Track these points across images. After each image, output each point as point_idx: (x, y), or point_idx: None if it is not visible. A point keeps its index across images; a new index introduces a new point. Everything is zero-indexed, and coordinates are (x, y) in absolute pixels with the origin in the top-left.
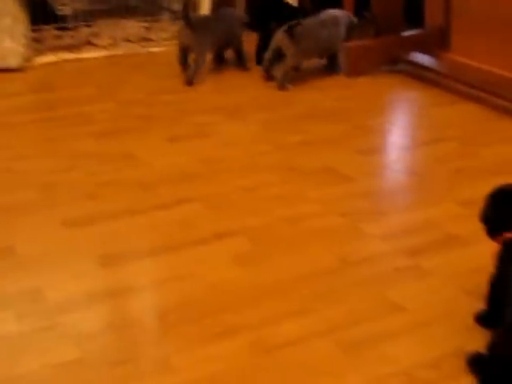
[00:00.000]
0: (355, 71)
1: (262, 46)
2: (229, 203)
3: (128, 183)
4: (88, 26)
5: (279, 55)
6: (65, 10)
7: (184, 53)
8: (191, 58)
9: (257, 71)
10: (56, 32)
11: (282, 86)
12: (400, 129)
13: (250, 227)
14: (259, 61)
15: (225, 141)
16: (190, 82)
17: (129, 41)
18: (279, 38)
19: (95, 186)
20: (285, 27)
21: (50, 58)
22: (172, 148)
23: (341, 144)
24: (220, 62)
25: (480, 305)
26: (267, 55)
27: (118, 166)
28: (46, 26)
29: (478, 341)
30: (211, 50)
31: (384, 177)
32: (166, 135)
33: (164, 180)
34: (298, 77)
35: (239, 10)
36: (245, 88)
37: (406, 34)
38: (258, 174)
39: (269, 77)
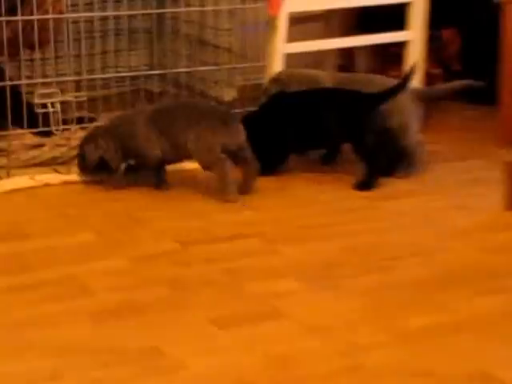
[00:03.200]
0: None
1: None
2: None
3: None
4: (83, 127)
5: None
6: (49, 106)
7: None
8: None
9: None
10: (33, 139)
11: None
12: None
13: None
14: None
15: (306, 326)
16: (248, 190)
17: None
18: None
19: None
20: None
21: (21, 181)
22: (218, 339)
23: (499, 328)
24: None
25: None
26: None
27: (133, 371)
28: (20, 130)
29: None
30: None
31: None
32: (209, 316)
33: None
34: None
35: None
36: (328, 227)
37: None
38: None
39: None
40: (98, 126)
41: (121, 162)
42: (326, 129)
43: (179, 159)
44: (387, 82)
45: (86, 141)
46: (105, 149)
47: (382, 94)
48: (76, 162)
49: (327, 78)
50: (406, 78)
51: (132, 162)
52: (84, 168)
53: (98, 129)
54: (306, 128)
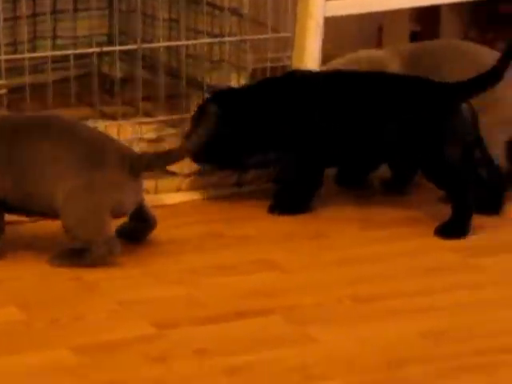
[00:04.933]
0: None
1: None
2: None
3: None
4: None
5: None
6: None
7: None
8: None
9: None
10: None
11: None
12: None
13: None
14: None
15: None
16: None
17: None
18: None
19: None
20: None
21: None
22: None
23: None
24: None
25: None
26: None
27: None
28: None
29: None
30: None
31: None
32: None
33: None
34: None
35: None
36: (394, 298)
37: None
38: None
39: None
40: None
41: None
42: (379, 137)
43: (28, 212)
44: (487, 53)
45: None
46: None
47: (472, 82)
48: None
49: (390, 56)
50: (508, 54)
51: None
52: None
53: None
54: (347, 133)
